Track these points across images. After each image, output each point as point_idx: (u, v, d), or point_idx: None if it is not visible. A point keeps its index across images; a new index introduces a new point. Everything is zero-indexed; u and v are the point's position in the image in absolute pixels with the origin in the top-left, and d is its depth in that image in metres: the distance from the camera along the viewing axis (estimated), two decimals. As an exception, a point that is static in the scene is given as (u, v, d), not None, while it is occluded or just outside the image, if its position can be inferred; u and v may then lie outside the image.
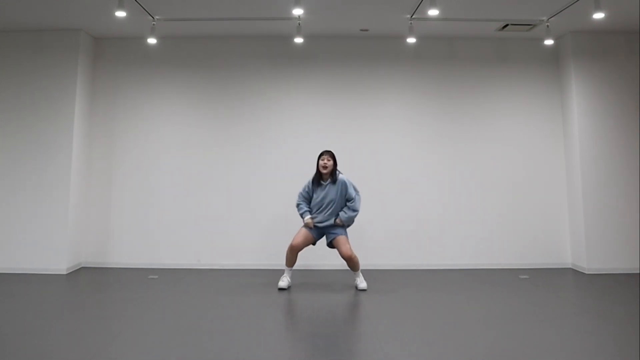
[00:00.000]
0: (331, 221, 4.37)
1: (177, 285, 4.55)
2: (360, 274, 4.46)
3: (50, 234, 5.04)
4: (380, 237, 5.38)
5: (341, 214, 4.37)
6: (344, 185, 4.38)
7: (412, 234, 5.39)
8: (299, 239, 4.36)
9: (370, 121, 5.51)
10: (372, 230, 5.38)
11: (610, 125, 5.25)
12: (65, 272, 5.00)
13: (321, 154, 4.46)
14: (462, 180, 5.46)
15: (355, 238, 5.33)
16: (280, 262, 4.76)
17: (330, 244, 4.44)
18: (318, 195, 4.40)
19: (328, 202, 4.37)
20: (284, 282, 4.38)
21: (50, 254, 5.01)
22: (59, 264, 5.01)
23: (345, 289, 4.40)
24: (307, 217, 4.39)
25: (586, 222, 5.13)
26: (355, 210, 4.38)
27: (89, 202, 5.43)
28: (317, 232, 4.43)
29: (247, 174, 5.44)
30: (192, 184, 5.44)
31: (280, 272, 4.85)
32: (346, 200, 4.39)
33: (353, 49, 5.58)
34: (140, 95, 5.54)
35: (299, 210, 4.47)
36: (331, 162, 4.40)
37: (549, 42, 4.99)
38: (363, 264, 5.24)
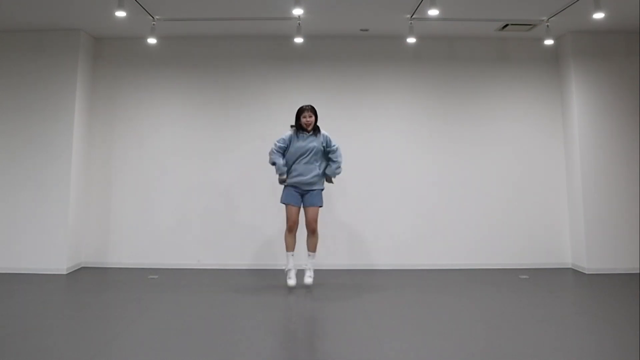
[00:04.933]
0: (313, 172, 4.28)
1: (177, 285, 4.54)
2: (312, 267, 4.35)
3: (50, 234, 5.04)
4: (380, 237, 5.37)
5: (328, 170, 4.34)
6: (326, 137, 4.37)
7: (412, 233, 5.38)
8: (292, 217, 4.31)
9: (370, 121, 5.50)
10: (372, 230, 5.37)
11: (610, 125, 5.25)
12: (65, 272, 4.99)
13: (302, 110, 4.34)
14: (462, 179, 5.46)
15: (355, 238, 5.35)
16: (280, 262, 4.76)
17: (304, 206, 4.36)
18: (299, 144, 4.31)
19: (310, 149, 4.29)
20: (292, 280, 4.30)
21: (50, 254, 5.01)
22: (59, 264, 5.00)
23: (344, 289, 4.40)
24: (284, 176, 4.34)
25: (586, 222, 5.13)
26: (338, 162, 4.35)
27: (89, 202, 5.43)
28: (298, 198, 4.33)
29: (247, 174, 5.43)
30: (192, 183, 5.44)
31: (281, 272, 4.86)
32: (328, 152, 4.34)
33: (353, 49, 5.58)
34: (140, 95, 5.54)
35: (276, 165, 4.32)
36: (313, 118, 4.33)
37: (549, 42, 4.99)
38: (363, 264, 5.27)
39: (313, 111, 4.35)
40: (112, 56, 5.58)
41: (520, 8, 4.69)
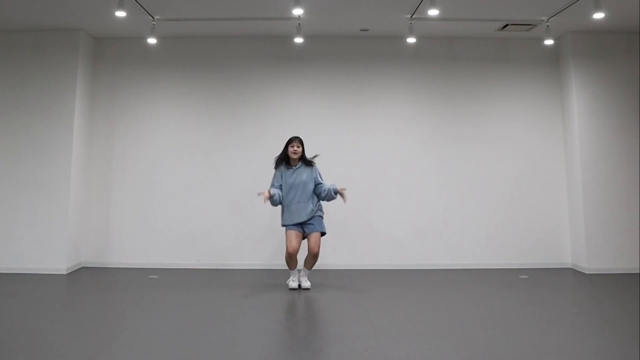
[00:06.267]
0: (308, 209, 4.32)
1: (177, 285, 4.55)
2: (305, 277, 4.43)
3: (50, 234, 5.04)
4: (380, 238, 5.37)
5: (327, 198, 4.38)
6: (315, 169, 4.44)
7: (412, 234, 5.38)
8: (293, 243, 4.29)
9: (370, 121, 5.50)
10: (372, 230, 5.37)
11: (610, 125, 5.25)
12: (65, 272, 4.99)
13: (291, 140, 4.43)
14: (463, 180, 5.46)
15: (355, 238, 5.35)
16: (280, 261, 4.76)
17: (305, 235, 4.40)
18: (289, 178, 4.37)
19: (299, 184, 4.35)
20: (294, 282, 4.38)
21: (50, 254, 5.01)
22: (59, 264, 5.00)
23: (344, 289, 4.40)
24: (266, 191, 4.27)
25: (586, 222, 5.13)
26: (326, 186, 4.39)
27: (89, 202, 5.42)
28: (301, 226, 4.37)
29: (248, 174, 5.43)
30: (193, 183, 5.44)
31: (281, 272, 4.87)
32: (315, 184, 4.39)
33: (353, 49, 5.58)
34: (140, 95, 5.54)
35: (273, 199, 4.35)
36: (300, 149, 4.41)
37: (549, 42, 4.99)
38: (363, 264, 5.28)
39: (301, 142, 4.43)
40: (112, 56, 5.58)
41: (520, 8, 4.69)
